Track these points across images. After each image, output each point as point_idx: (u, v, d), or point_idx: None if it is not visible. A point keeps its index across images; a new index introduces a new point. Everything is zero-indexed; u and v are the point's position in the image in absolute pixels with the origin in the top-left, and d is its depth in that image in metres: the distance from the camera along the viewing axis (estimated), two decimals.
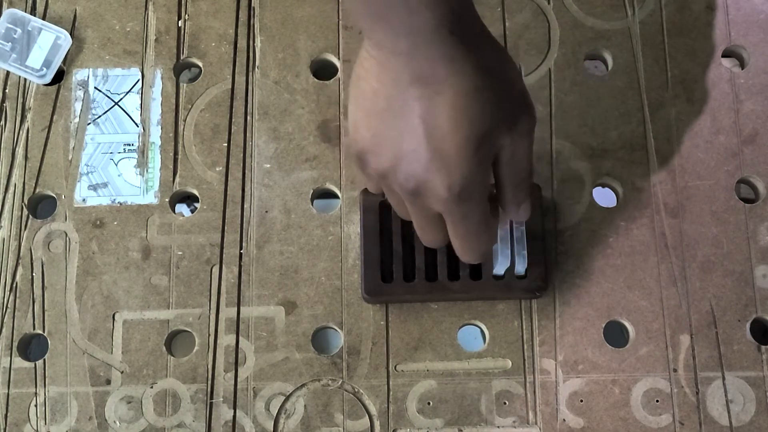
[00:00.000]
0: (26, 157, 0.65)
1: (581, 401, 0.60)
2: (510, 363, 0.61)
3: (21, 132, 0.65)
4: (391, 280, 0.60)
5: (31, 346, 0.63)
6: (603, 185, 0.65)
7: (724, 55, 0.67)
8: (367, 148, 0.48)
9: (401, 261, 0.60)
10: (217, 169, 0.65)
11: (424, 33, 0.43)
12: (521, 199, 0.51)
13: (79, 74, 0.67)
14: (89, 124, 0.66)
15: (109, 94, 0.66)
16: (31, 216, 0.64)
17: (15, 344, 0.61)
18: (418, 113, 0.45)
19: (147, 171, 0.65)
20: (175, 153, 0.65)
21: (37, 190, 0.64)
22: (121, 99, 0.66)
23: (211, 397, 0.60)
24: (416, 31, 0.43)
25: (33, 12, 0.68)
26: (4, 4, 0.68)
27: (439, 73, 0.44)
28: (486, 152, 0.46)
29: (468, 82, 0.44)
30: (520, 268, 0.58)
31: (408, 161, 0.46)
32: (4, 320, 0.62)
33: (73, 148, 0.65)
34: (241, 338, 0.61)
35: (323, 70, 0.68)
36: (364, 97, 0.47)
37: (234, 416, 0.60)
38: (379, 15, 0.43)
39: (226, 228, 0.63)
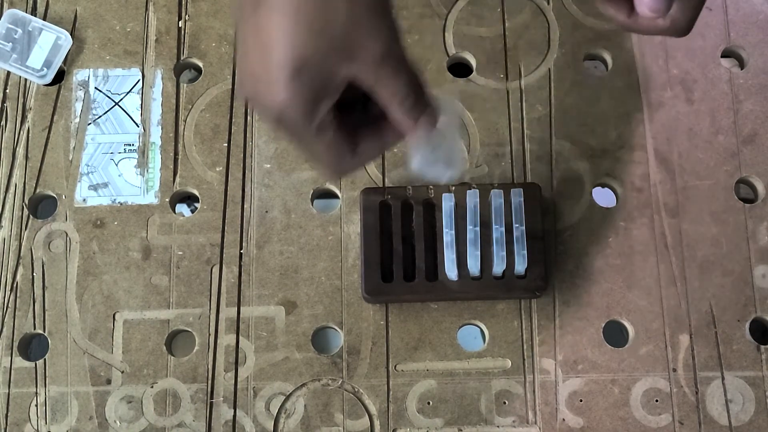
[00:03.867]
0: (27, 157, 0.65)
1: (581, 401, 0.60)
2: (510, 363, 0.61)
3: (21, 132, 0.66)
4: (391, 280, 0.60)
5: (32, 346, 0.63)
6: (603, 185, 0.65)
7: (723, 56, 0.67)
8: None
9: (401, 261, 0.60)
10: (218, 169, 0.65)
11: None
12: (414, 114, 0.45)
13: (79, 74, 0.67)
14: (90, 124, 0.66)
15: (109, 95, 0.66)
16: (31, 216, 0.64)
17: (15, 344, 0.61)
18: (247, 24, 0.42)
19: (147, 171, 0.65)
20: (176, 153, 0.65)
21: (38, 190, 0.64)
22: (121, 99, 0.66)
23: (212, 397, 0.60)
24: None
25: (34, 12, 0.68)
26: (5, 5, 0.68)
27: None
28: (311, 80, 0.42)
29: (287, 2, 0.41)
30: (520, 267, 0.59)
31: (241, 70, 0.44)
32: (5, 320, 0.62)
33: (74, 148, 0.65)
34: (241, 338, 0.61)
35: None
36: None
37: (234, 416, 0.60)
38: None
39: (226, 228, 0.63)
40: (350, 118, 0.45)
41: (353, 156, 0.46)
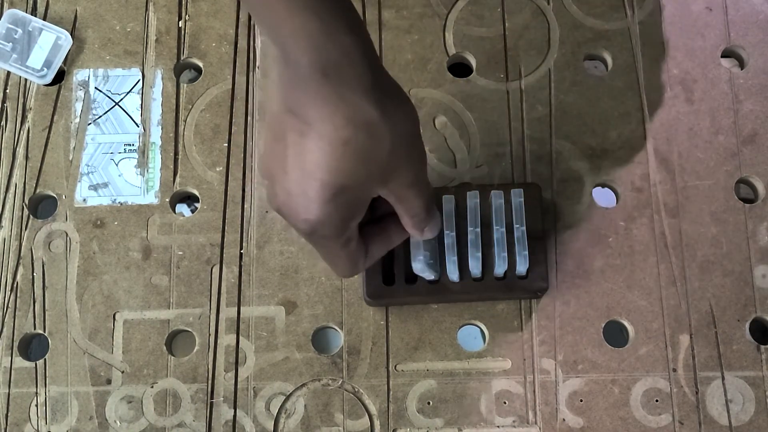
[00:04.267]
0: (27, 157, 0.65)
1: (581, 401, 0.60)
2: (510, 363, 0.61)
3: (22, 132, 0.65)
4: (392, 283, 0.60)
5: (32, 346, 0.63)
6: (603, 185, 0.65)
7: (723, 56, 0.67)
8: (261, 155, 0.48)
9: (402, 263, 0.60)
10: (218, 169, 0.65)
11: (301, 66, 0.41)
12: (421, 226, 0.51)
13: (79, 74, 0.67)
14: (90, 124, 0.66)
15: (109, 95, 0.66)
16: (31, 216, 0.64)
17: (16, 344, 0.61)
18: (288, 143, 0.44)
19: (147, 171, 0.65)
20: (176, 153, 0.65)
21: (38, 190, 0.64)
22: (121, 99, 0.66)
23: (212, 397, 0.60)
24: (294, 63, 0.41)
25: (34, 12, 0.68)
26: (5, 5, 0.68)
27: (308, 113, 0.42)
28: (347, 202, 0.45)
29: (334, 132, 0.42)
30: (522, 268, 0.59)
31: (275, 183, 0.45)
32: (5, 320, 0.62)
33: (74, 148, 0.65)
34: (241, 338, 0.61)
35: None
36: (266, 96, 0.47)
37: (234, 416, 0.60)
38: (270, 26, 0.42)
39: (226, 228, 0.63)
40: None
41: (366, 258, 0.51)
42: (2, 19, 0.67)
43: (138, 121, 0.66)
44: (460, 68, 0.68)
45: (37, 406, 0.60)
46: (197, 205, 0.64)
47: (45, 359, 0.61)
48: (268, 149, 0.46)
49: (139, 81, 0.67)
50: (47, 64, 0.66)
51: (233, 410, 0.60)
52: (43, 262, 0.63)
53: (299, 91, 0.42)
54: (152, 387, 0.61)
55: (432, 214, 0.51)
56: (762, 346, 0.61)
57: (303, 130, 0.43)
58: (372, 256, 0.51)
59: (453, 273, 0.58)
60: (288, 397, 0.60)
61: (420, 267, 0.56)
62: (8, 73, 0.67)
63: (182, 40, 0.67)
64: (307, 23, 0.40)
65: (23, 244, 0.63)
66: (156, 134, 0.66)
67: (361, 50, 0.42)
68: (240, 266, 0.63)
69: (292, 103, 0.43)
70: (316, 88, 0.42)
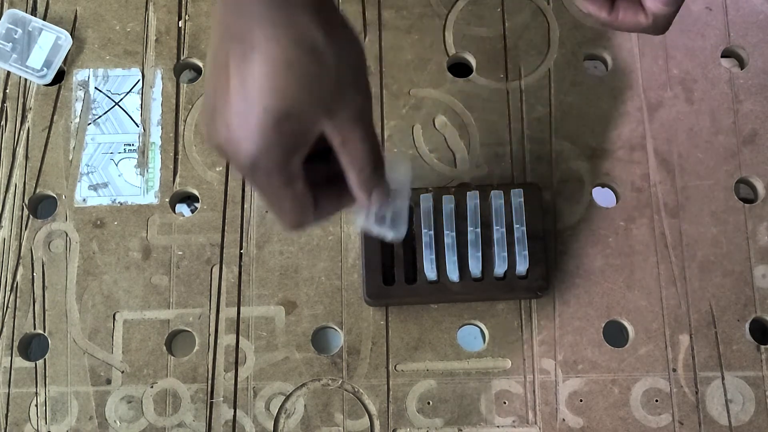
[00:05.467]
0: (27, 157, 0.65)
1: (581, 401, 0.60)
2: (510, 363, 0.61)
3: (21, 132, 0.65)
4: (392, 283, 0.60)
5: (32, 346, 0.63)
6: (603, 185, 0.65)
7: (723, 56, 0.67)
8: (204, 94, 0.47)
9: (402, 263, 0.60)
10: (218, 169, 0.65)
11: None
12: (369, 186, 0.47)
13: (79, 74, 0.67)
14: (90, 124, 0.66)
15: (109, 95, 0.66)
16: (31, 216, 0.64)
17: (15, 344, 0.61)
18: (231, 72, 0.43)
19: (147, 171, 0.65)
20: (176, 153, 0.65)
21: (38, 190, 0.64)
22: (121, 99, 0.66)
23: (212, 397, 0.60)
24: None
25: (34, 12, 0.68)
26: (5, 5, 0.68)
27: (253, 34, 0.42)
28: (291, 131, 0.43)
29: (280, 53, 0.42)
30: (522, 268, 0.59)
31: (216, 117, 0.44)
32: (5, 320, 0.62)
33: (74, 148, 0.65)
34: (241, 338, 0.61)
35: None
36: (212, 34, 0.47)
37: (234, 416, 0.60)
38: None
39: (226, 228, 0.63)
40: (311, 174, 0.46)
41: (314, 212, 0.47)
42: (2, 19, 0.67)
43: (138, 121, 0.66)
44: (460, 68, 0.68)
45: (37, 406, 0.60)
46: (197, 205, 0.64)
47: (45, 359, 0.61)
48: (209, 84, 0.45)
49: (139, 81, 0.67)
50: (47, 64, 0.66)
51: (233, 410, 0.60)
52: (43, 262, 0.63)
53: (245, 16, 0.42)
54: (152, 387, 0.61)
55: (377, 174, 0.47)
56: (762, 346, 0.61)
57: (246, 54, 0.42)
58: (322, 211, 0.48)
59: (453, 273, 0.58)
60: (288, 397, 0.60)
61: (363, 223, 0.49)
62: (8, 73, 0.67)
63: (182, 40, 0.67)
64: None
65: (23, 244, 0.63)
66: (156, 134, 0.66)
67: None
68: (240, 266, 0.63)
69: (236, 29, 0.42)
70: (261, 11, 0.41)
